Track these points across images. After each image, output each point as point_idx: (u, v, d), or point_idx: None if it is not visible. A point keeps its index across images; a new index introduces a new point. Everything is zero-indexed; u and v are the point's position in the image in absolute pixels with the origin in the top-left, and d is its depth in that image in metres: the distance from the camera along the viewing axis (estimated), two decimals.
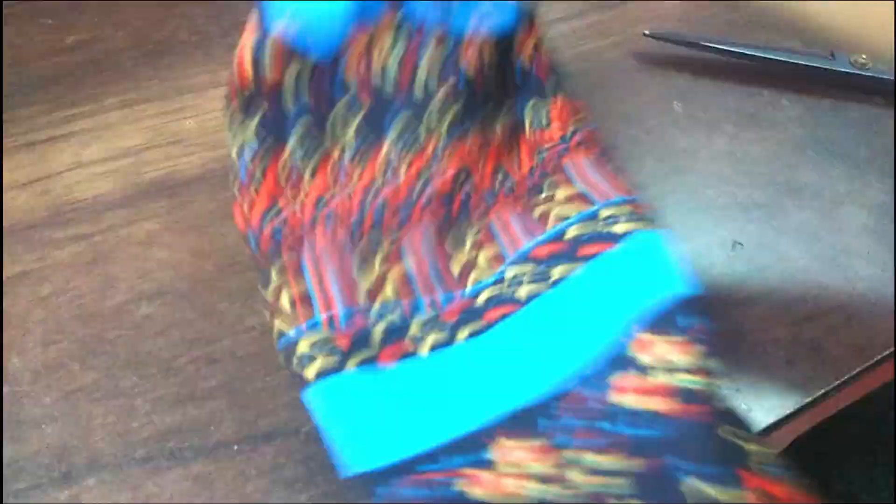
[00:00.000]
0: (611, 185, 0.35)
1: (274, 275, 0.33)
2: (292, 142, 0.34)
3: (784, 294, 0.39)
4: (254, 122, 0.33)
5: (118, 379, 0.36)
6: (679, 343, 0.30)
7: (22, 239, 0.40)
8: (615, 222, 0.33)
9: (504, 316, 0.32)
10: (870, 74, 0.47)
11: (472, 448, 0.30)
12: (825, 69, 0.47)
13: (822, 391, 0.36)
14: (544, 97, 0.37)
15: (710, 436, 0.28)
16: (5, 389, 0.36)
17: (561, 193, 0.35)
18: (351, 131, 0.34)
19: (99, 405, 0.35)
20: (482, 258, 0.34)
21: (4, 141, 0.44)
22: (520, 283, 0.33)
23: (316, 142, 0.34)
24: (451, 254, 0.34)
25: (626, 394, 0.29)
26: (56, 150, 0.43)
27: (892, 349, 0.38)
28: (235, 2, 0.51)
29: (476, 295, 0.33)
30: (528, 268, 0.33)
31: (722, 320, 0.38)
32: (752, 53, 0.47)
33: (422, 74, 0.33)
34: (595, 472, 0.28)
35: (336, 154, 0.34)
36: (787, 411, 0.36)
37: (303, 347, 0.31)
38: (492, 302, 0.33)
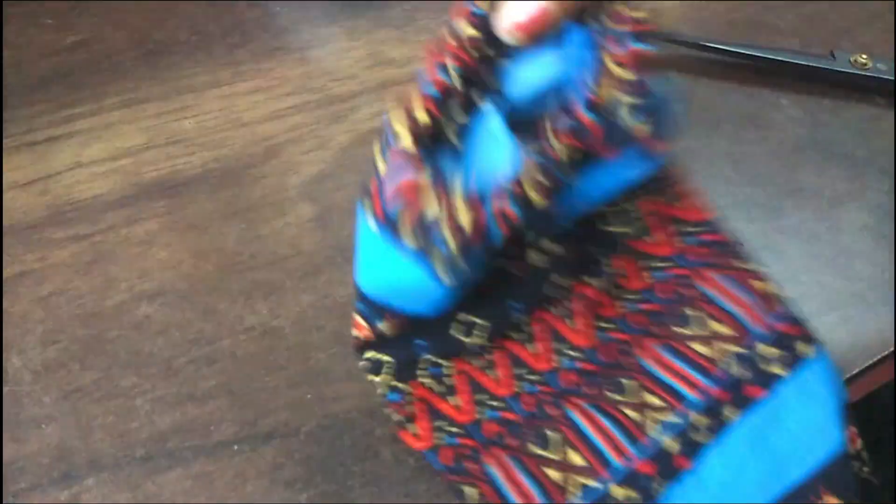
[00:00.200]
0: (757, 301, 0.32)
1: (466, 491, 0.32)
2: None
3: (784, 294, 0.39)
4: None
5: (118, 379, 0.36)
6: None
7: (22, 239, 0.40)
8: (773, 362, 0.31)
9: (695, 461, 0.31)
10: (870, 74, 0.47)
11: None
12: (825, 69, 0.47)
13: None
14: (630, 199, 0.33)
15: None
16: (5, 389, 0.36)
17: (712, 325, 0.32)
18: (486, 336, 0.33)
19: (99, 405, 0.35)
20: (652, 399, 0.32)
21: (4, 141, 0.44)
22: (699, 429, 0.31)
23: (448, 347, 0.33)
24: (617, 401, 0.32)
25: None
26: (56, 150, 0.43)
27: (892, 349, 0.38)
28: (235, 2, 0.51)
29: (660, 442, 0.31)
30: (704, 418, 0.31)
31: None
32: (752, 53, 0.47)
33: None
34: None
35: (472, 364, 0.33)
36: None
37: None
38: (681, 446, 0.31)
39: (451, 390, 0.33)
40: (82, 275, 0.39)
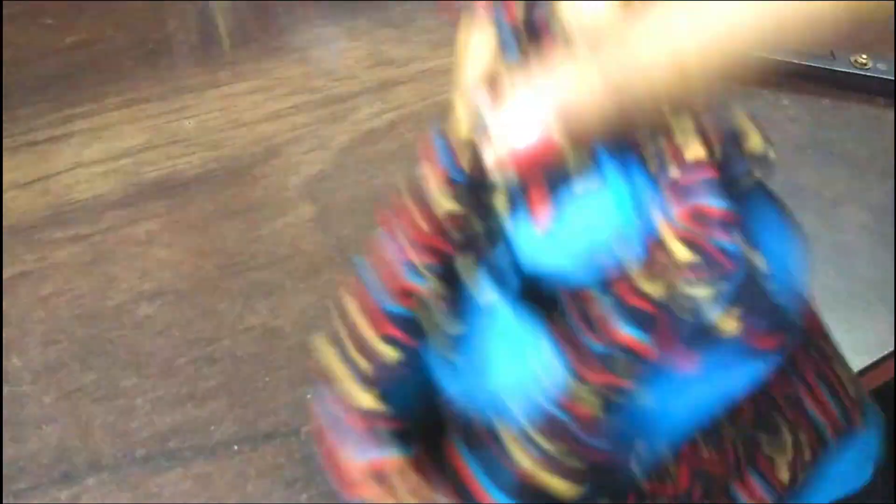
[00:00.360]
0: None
1: None
2: None
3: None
4: None
5: (118, 379, 0.36)
6: None
7: (22, 239, 0.40)
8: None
9: None
10: (870, 74, 0.47)
11: None
12: (825, 69, 0.47)
13: None
14: None
15: None
16: (5, 389, 0.36)
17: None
18: None
19: (99, 405, 0.35)
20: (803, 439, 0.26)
21: (4, 141, 0.44)
22: None
23: None
24: (771, 456, 0.26)
25: None
26: (56, 150, 0.43)
27: (892, 349, 0.38)
28: (235, 2, 0.51)
29: None
30: None
31: None
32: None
33: None
34: None
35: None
36: None
37: None
38: None
39: None
40: (82, 275, 0.39)
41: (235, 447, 0.34)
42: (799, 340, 0.22)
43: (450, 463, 0.20)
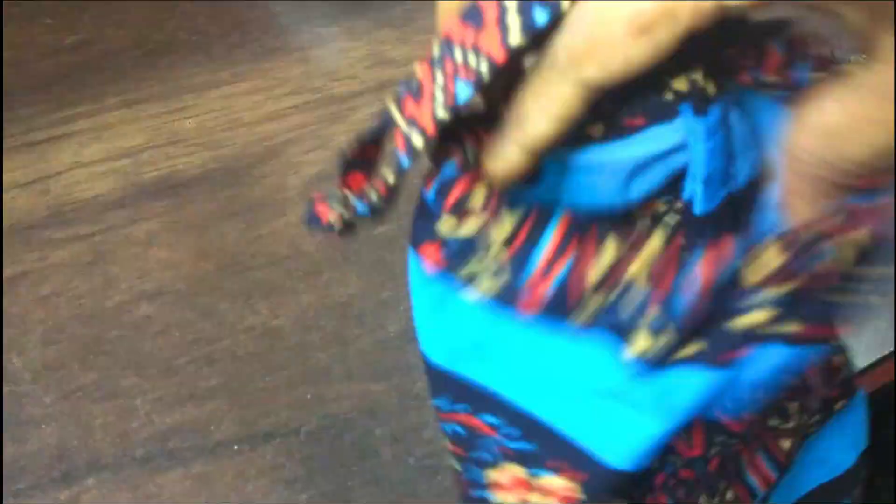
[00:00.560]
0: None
1: None
2: None
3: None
4: None
5: (118, 379, 0.36)
6: None
7: (22, 239, 0.40)
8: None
9: None
10: None
11: None
12: None
13: None
14: None
15: None
16: (5, 389, 0.36)
17: None
18: None
19: (99, 405, 0.35)
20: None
21: (4, 141, 0.44)
22: None
23: None
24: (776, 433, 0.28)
25: None
26: (56, 150, 0.43)
27: (892, 349, 0.38)
28: (235, 1, 0.51)
29: None
30: None
31: None
32: None
33: None
34: None
35: None
36: None
37: None
38: None
39: None
40: (82, 275, 0.39)
41: (235, 447, 0.34)
42: None
43: None
